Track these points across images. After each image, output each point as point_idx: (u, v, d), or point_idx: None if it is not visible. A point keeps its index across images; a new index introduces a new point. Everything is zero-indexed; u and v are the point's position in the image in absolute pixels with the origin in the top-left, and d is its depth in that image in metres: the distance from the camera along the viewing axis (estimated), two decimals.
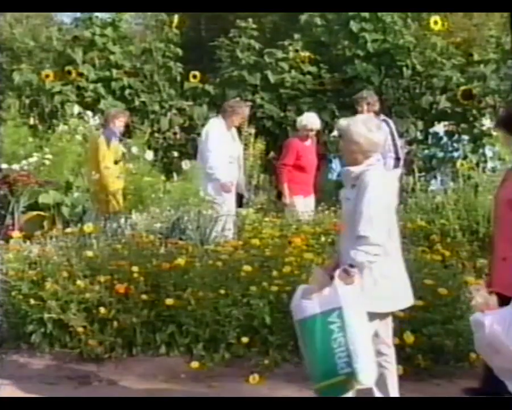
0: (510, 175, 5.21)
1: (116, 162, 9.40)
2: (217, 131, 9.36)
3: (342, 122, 4.96)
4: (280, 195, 9.55)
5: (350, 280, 4.42)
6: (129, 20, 15.27)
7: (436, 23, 12.91)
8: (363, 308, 4.44)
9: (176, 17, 14.05)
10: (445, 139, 12.60)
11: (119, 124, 9.64)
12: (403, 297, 4.73)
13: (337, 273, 4.46)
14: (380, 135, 4.71)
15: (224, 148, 9.26)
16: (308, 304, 4.47)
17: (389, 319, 4.79)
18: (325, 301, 4.40)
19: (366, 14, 13.16)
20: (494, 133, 10.82)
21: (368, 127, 4.62)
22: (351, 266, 4.43)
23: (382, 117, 9.85)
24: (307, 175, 9.65)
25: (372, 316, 4.55)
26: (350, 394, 4.48)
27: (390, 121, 9.93)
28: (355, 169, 4.56)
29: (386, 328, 4.77)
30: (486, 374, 5.03)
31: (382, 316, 4.65)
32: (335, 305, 4.36)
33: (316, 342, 4.40)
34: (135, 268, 6.24)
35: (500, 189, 5.21)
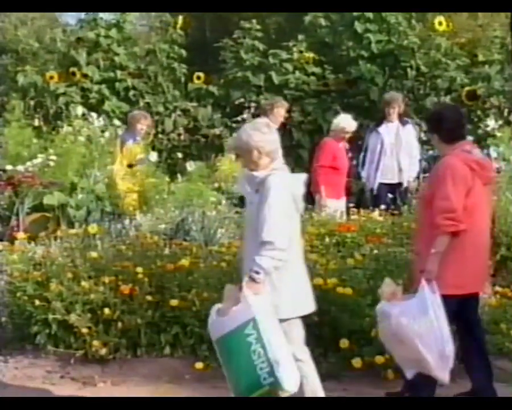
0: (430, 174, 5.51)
1: (131, 166, 9.46)
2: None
3: (232, 139, 4.99)
4: (312, 198, 9.13)
5: (257, 287, 4.42)
6: (134, 22, 15.27)
7: (440, 23, 12.91)
8: (274, 314, 4.44)
9: (180, 19, 14.08)
10: None
11: (140, 127, 9.72)
12: (304, 303, 4.71)
13: (244, 282, 4.46)
14: (273, 135, 4.71)
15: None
16: (223, 322, 4.47)
17: (300, 323, 4.76)
18: (238, 315, 4.39)
19: (370, 15, 13.17)
20: (499, 134, 10.81)
21: (261, 130, 4.65)
22: (257, 272, 4.42)
23: (405, 119, 9.87)
24: (341, 177, 9.59)
25: (288, 321, 4.58)
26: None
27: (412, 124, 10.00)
28: (259, 174, 4.59)
29: (297, 332, 4.74)
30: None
31: (286, 322, 4.60)
32: (249, 316, 4.36)
33: (236, 358, 4.40)
34: (139, 269, 6.24)
35: (422, 188, 5.51)
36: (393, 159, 9.78)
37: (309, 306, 4.77)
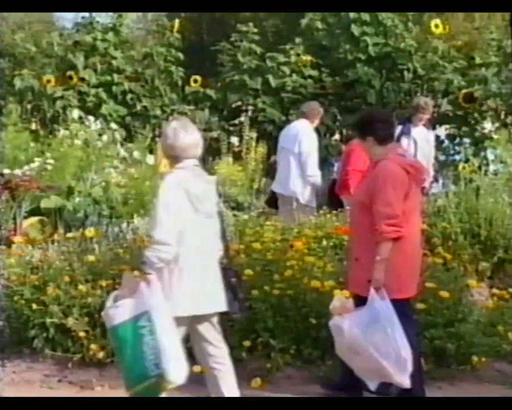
0: (362, 179, 5.45)
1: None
2: (310, 135, 9.38)
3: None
4: (338, 200, 8.94)
5: (147, 279, 4.54)
6: (131, 25, 15.29)
7: (437, 26, 12.92)
8: (167, 308, 4.53)
9: (177, 22, 14.09)
10: (446, 142, 12.61)
11: None
12: (202, 303, 4.73)
13: (140, 275, 4.66)
14: (186, 136, 4.80)
15: (316, 151, 9.35)
16: (118, 311, 4.57)
17: (214, 320, 4.84)
18: (134, 306, 4.51)
19: (367, 18, 13.18)
20: (496, 136, 10.82)
21: (176, 132, 4.78)
22: (144, 264, 4.60)
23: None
24: None
25: (181, 319, 4.63)
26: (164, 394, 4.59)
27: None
28: (166, 172, 4.79)
29: (210, 329, 4.82)
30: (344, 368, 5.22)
31: (193, 319, 4.70)
32: (144, 309, 4.49)
33: (128, 348, 4.52)
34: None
35: (354, 193, 5.52)
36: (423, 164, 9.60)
37: (210, 306, 4.79)
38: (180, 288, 4.61)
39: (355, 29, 13.18)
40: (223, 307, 4.82)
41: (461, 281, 6.60)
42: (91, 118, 11.49)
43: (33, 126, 12.36)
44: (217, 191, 4.94)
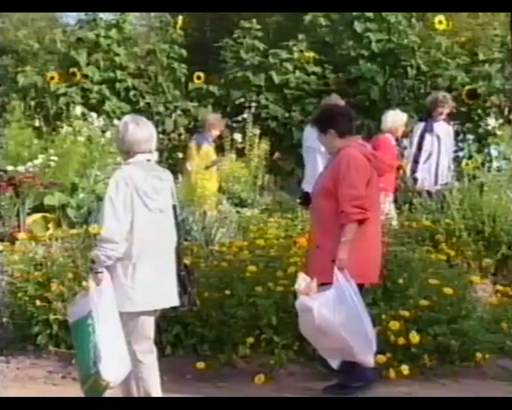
0: (324, 169, 5.55)
1: (207, 167, 9.69)
2: None
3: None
4: None
5: (97, 278, 4.53)
6: (134, 22, 15.27)
7: (440, 22, 12.90)
8: (114, 307, 4.53)
9: (180, 19, 14.08)
10: None
11: (215, 133, 9.84)
12: (157, 299, 4.72)
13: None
14: (140, 133, 4.77)
15: None
16: (74, 309, 4.65)
17: (152, 321, 4.80)
18: (84, 305, 4.56)
19: (370, 14, 13.16)
20: (499, 132, 10.82)
21: (127, 127, 4.75)
22: (93, 263, 4.58)
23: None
24: (393, 175, 9.22)
25: (144, 314, 4.64)
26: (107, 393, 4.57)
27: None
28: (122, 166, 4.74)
29: (148, 328, 4.79)
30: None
31: (141, 315, 4.68)
32: (90, 307, 4.52)
33: (79, 345, 4.62)
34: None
35: (315, 184, 5.53)
36: (446, 159, 9.55)
37: (167, 301, 4.78)
38: (135, 284, 4.60)
39: (358, 26, 13.17)
40: (177, 301, 4.81)
41: (464, 278, 6.59)
42: (94, 114, 11.50)
43: (37, 123, 12.36)
44: (171, 187, 4.90)
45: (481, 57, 12.91)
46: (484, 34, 14.45)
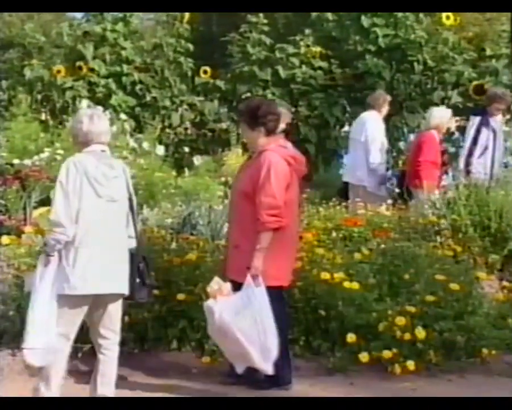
0: (242, 167, 5.50)
1: None
2: (376, 124, 9.54)
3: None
4: (408, 191, 8.92)
5: (47, 260, 4.66)
6: (140, 16, 15.25)
7: (447, 17, 12.86)
8: (52, 290, 4.66)
9: (186, 13, 14.06)
10: (456, 134, 12.54)
11: (281, 126, 9.75)
12: (106, 283, 4.77)
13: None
14: (101, 125, 4.90)
15: (382, 141, 9.50)
16: (27, 282, 4.93)
17: (112, 308, 4.90)
18: (31, 282, 4.75)
19: None
20: (507, 128, 10.77)
21: (79, 119, 4.89)
22: (45, 245, 4.72)
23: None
24: (438, 172, 9.21)
25: (82, 299, 4.73)
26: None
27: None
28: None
29: (105, 317, 4.89)
30: None
31: (86, 299, 4.76)
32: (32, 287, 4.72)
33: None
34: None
35: (235, 181, 5.54)
36: (499, 154, 9.45)
37: (109, 287, 4.83)
38: (76, 268, 4.68)
39: (365, 21, 13.14)
40: (124, 290, 4.86)
41: (471, 274, 6.59)
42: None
43: (43, 117, 12.37)
44: (125, 178, 4.96)
45: (488, 52, 12.88)
46: (492, 29, 14.42)
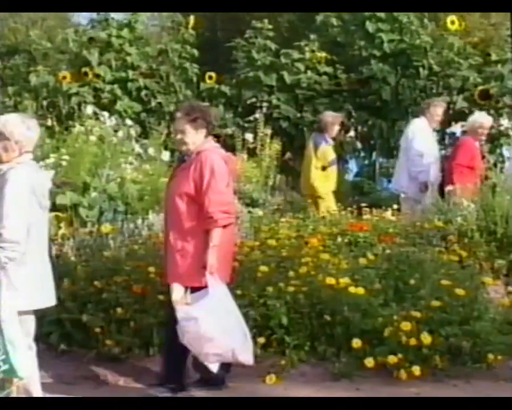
0: (178, 170, 5.41)
1: (324, 168, 9.59)
2: (419, 131, 9.50)
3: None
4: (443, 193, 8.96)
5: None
6: (146, 22, 15.29)
7: (452, 22, 12.86)
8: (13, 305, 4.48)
9: (192, 19, 14.10)
10: None
11: (332, 132, 9.77)
12: (40, 298, 4.67)
13: None
14: (29, 133, 4.67)
15: (429, 148, 9.41)
16: None
17: (33, 318, 4.77)
18: None
19: (382, 14, 13.14)
20: None
21: (15, 123, 4.65)
22: None
23: None
24: (475, 177, 9.02)
25: (24, 313, 4.59)
26: (13, 393, 4.52)
27: None
28: (2, 167, 4.60)
29: (31, 326, 4.75)
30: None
31: (23, 313, 4.62)
32: None
33: None
34: (151, 268, 6.25)
35: (171, 184, 5.42)
36: None
37: (46, 301, 4.75)
38: (19, 283, 4.54)
39: (370, 26, 13.15)
40: (54, 301, 4.81)
41: (476, 279, 6.57)
42: (106, 114, 11.51)
43: (49, 122, 12.38)
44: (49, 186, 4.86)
45: (494, 57, 12.86)
46: (497, 34, 14.42)
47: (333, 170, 9.74)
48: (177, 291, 5.14)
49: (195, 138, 5.30)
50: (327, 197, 9.50)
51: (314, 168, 9.58)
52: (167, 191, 5.48)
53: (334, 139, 10.05)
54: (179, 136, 5.32)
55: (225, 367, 5.34)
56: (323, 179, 9.55)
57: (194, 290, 5.13)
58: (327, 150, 9.68)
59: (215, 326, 4.96)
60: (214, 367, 5.15)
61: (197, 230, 5.16)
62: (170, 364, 5.43)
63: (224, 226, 5.18)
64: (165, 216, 5.55)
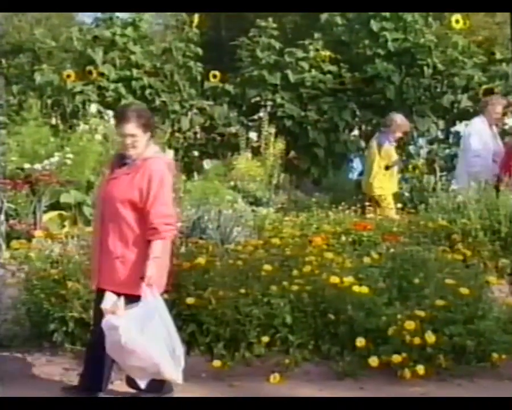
0: (119, 173, 5.15)
1: (387, 168, 9.53)
2: (474, 130, 9.43)
3: None
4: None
5: None
6: (150, 20, 15.30)
7: (457, 21, 12.86)
8: None
9: (196, 17, 14.10)
10: None
11: (399, 134, 9.74)
12: None
13: None
14: None
15: (486, 148, 9.30)
16: None
17: None
18: None
19: (387, 13, 13.14)
20: None
21: None
22: None
23: None
24: None
25: None
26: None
27: None
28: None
29: None
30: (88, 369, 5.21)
31: None
32: None
33: None
34: None
35: (110, 186, 5.15)
36: None
37: None
38: None
39: (375, 25, 13.15)
40: None
41: (481, 278, 6.56)
42: (110, 112, 11.53)
43: (53, 121, 12.41)
44: None
45: (498, 56, 12.87)
46: (502, 33, 14.41)
47: (394, 171, 9.70)
48: (109, 299, 4.96)
49: (143, 141, 5.14)
50: (386, 198, 9.41)
51: (377, 166, 9.51)
52: (104, 193, 5.21)
53: (396, 141, 9.99)
54: (129, 140, 5.09)
55: (157, 383, 5.10)
56: (384, 179, 9.49)
57: (128, 298, 4.95)
58: (390, 150, 9.62)
59: (138, 338, 4.80)
60: (141, 383, 4.99)
61: (138, 239, 5.01)
62: (88, 363, 5.27)
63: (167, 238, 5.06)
64: (100, 217, 5.24)
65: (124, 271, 5.04)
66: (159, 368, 4.85)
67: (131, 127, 5.08)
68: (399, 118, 9.87)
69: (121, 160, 5.20)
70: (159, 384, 5.08)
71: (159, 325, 4.86)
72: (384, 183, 9.55)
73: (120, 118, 5.17)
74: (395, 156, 9.76)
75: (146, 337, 4.80)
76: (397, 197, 9.87)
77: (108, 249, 5.08)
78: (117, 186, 5.11)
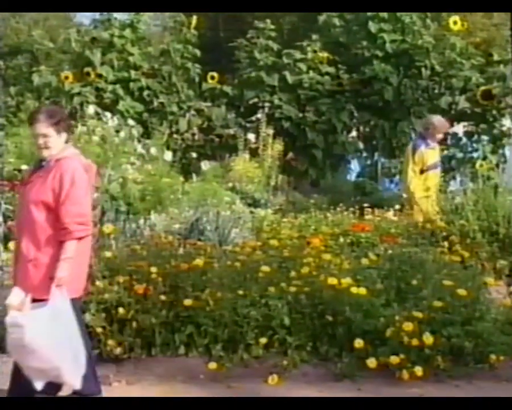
0: (34, 176, 5.08)
1: (422, 171, 9.31)
2: None
3: None
4: None
5: None
6: (148, 22, 15.31)
7: (455, 23, 12.87)
8: None
9: (194, 19, 14.11)
10: (464, 139, 12.56)
11: (438, 136, 9.53)
12: None
13: None
14: None
15: None
16: None
17: None
18: None
19: (385, 15, 13.17)
20: None
21: None
22: None
23: None
24: None
25: None
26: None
27: None
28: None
29: None
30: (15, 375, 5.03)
31: None
32: None
33: None
34: (153, 269, 6.24)
35: (26, 190, 5.09)
36: None
37: None
38: None
39: (373, 26, 13.17)
40: None
41: (478, 279, 6.56)
42: (108, 114, 11.52)
43: None
44: None
45: (496, 57, 12.87)
46: (499, 35, 14.42)
47: (431, 174, 9.39)
48: (15, 295, 4.84)
49: (57, 142, 5.05)
50: (421, 201, 9.26)
51: (411, 171, 9.35)
52: (21, 197, 5.16)
53: (439, 143, 9.79)
54: (41, 140, 5.01)
55: (53, 387, 4.96)
56: (419, 183, 9.29)
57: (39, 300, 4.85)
58: (426, 154, 9.36)
59: (41, 339, 4.67)
60: (38, 384, 4.82)
61: (52, 241, 4.90)
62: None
63: (80, 238, 4.92)
64: (17, 222, 5.19)
65: (37, 275, 4.91)
66: (59, 371, 4.74)
67: (41, 127, 5.01)
68: (436, 120, 9.68)
69: (38, 164, 5.14)
70: (55, 386, 4.95)
71: (64, 329, 4.74)
72: (419, 187, 9.32)
73: (31, 118, 5.10)
74: (431, 160, 9.41)
75: (49, 340, 4.68)
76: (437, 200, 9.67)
77: (23, 253, 4.98)
78: (31, 189, 5.03)
